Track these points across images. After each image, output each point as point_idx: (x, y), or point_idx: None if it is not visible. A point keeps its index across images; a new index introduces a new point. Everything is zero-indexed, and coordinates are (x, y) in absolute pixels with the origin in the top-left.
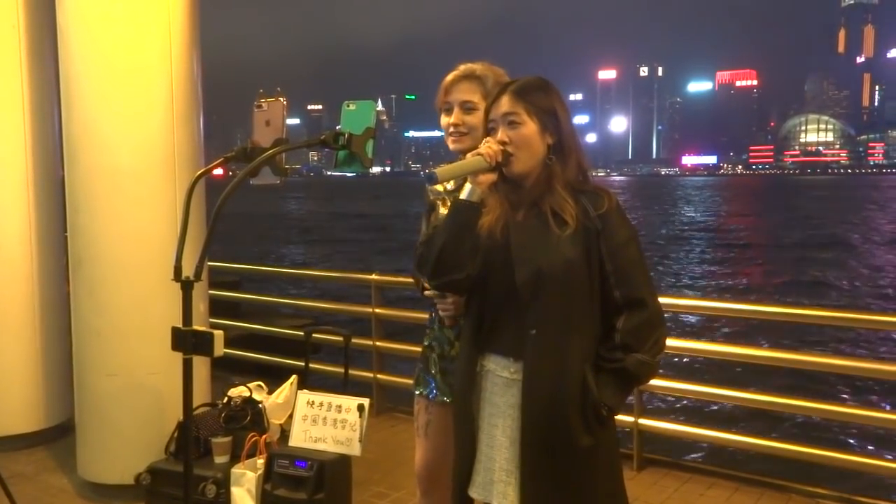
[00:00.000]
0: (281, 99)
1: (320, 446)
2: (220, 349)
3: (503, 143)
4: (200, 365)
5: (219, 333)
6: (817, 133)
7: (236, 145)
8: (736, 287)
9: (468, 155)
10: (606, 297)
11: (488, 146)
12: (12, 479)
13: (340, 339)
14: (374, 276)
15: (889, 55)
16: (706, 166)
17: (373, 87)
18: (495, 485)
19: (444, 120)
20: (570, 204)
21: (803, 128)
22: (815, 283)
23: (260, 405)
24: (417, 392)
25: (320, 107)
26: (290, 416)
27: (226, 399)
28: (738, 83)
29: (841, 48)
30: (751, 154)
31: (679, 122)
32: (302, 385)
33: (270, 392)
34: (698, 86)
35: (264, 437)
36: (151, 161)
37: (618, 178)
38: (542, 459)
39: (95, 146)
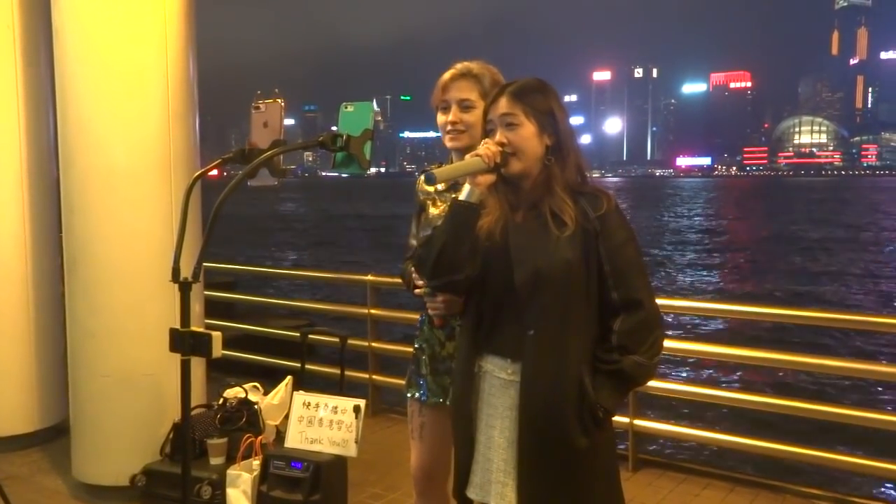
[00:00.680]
0: (279, 101)
1: (316, 447)
2: (218, 350)
3: (501, 144)
4: (196, 366)
5: (217, 335)
6: (811, 135)
7: (231, 146)
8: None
9: (467, 156)
10: (604, 298)
11: (486, 147)
12: (6, 480)
13: (336, 340)
14: (369, 278)
15: (882, 57)
16: (700, 168)
17: (368, 88)
18: (493, 485)
19: (440, 118)
20: (569, 205)
21: (797, 129)
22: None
23: (255, 406)
24: (410, 395)
25: (315, 107)
26: (286, 418)
27: (221, 400)
28: (732, 85)
29: (834, 50)
30: (745, 155)
31: (673, 123)
32: (298, 386)
33: (266, 393)
34: (692, 87)
35: (260, 438)
36: (147, 162)
37: (612, 180)
38: (539, 460)
39: (91, 147)
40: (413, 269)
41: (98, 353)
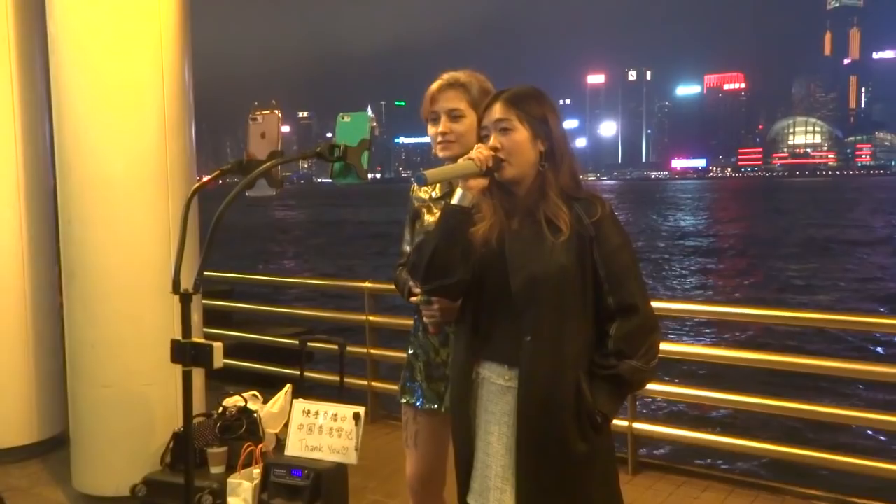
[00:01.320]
0: (276, 112)
1: (316, 455)
2: (219, 361)
3: (495, 148)
4: (196, 376)
5: (218, 345)
6: (805, 135)
7: (227, 154)
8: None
9: (459, 160)
10: (600, 303)
11: (479, 151)
12: (6, 492)
13: (335, 347)
14: (367, 284)
15: (875, 57)
16: (696, 169)
17: (362, 94)
18: (491, 492)
19: (431, 129)
20: (564, 211)
21: (791, 130)
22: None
23: (255, 415)
24: (404, 401)
25: (310, 114)
26: (286, 425)
27: (221, 409)
28: (726, 86)
29: (827, 51)
30: (740, 157)
31: (668, 125)
32: (297, 394)
33: (265, 401)
34: (686, 89)
35: (260, 446)
36: (144, 172)
37: (608, 182)
38: (537, 466)
39: (87, 157)
40: (409, 275)
41: (97, 363)
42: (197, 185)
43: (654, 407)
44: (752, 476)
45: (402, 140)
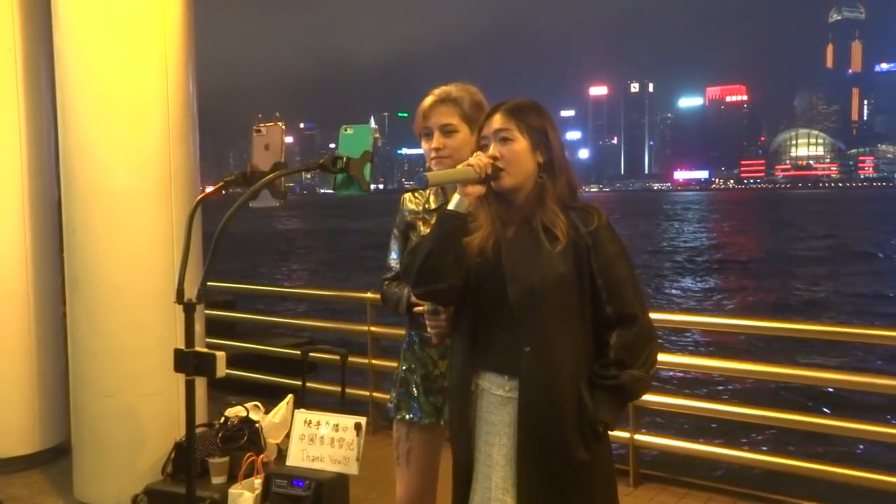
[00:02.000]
0: (279, 124)
1: (318, 465)
2: (222, 370)
3: (494, 157)
4: (198, 385)
5: (221, 355)
6: (808, 147)
7: (230, 165)
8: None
9: (459, 165)
10: (598, 312)
11: (479, 158)
12: (9, 502)
13: (337, 357)
14: (369, 295)
15: (877, 69)
16: (698, 181)
17: (365, 106)
18: (493, 503)
19: (424, 145)
20: (561, 219)
21: (794, 142)
22: None
23: (257, 425)
24: (399, 417)
25: (313, 125)
26: (287, 436)
27: (222, 419)
28: (728, 98)
29: (829, 63)
30: (742, 168)
31: (670, 137)
32: (299, 404)
33: (267, 412)
34: (689, 101)
35: (261, 456)
36: (148, 182)
37: (610, 194)
38: (539, 477)
39: (92, 168)
40: (404, 281)
41: (100, 373)
42: (201, 195)
43: (656, 418)
44: (755, 488)
45: (405, 151)
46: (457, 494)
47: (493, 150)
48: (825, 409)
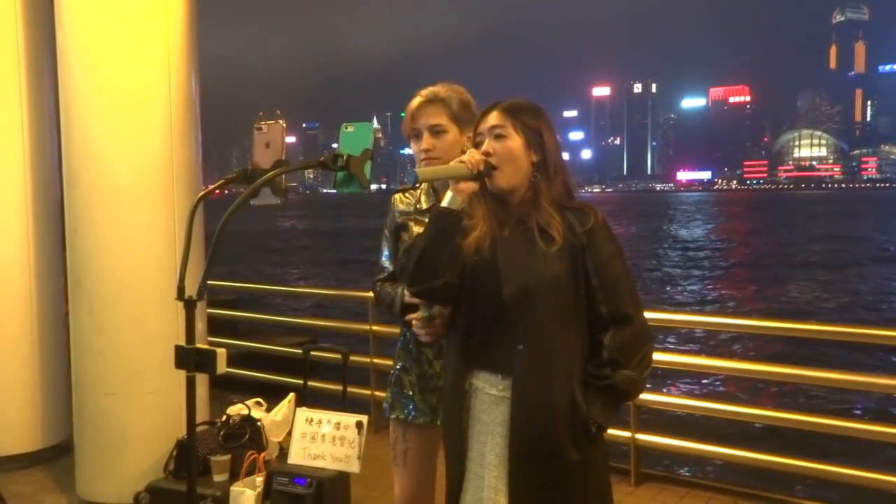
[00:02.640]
0: (280, 122)
1: (319, 463)
2: (223, 367)
3: (487, 154)
4: (200, 383)
5: (221, 351)
6: (811, 148)
7: (232, 163)
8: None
9: (451, 162)
10: (592, 312)
11: (471, 154)
12: (11, 499)
13: (339, 356)
14: (370, 294)
15: (881, 70)
16: (701, 182)
17: (369, 105)
18: (484, 502)
19: (413, 147)
20: (557, 220)
21: (797, 143)
22: None
23: (258, 423)
24: (394, 417)
25: (316, 125)
26: (289, 434)
27: (224, 417)
28: (731, 99)
29: (833, 64)
30: (745, 169)
31: (673, 137)
32: (300, 402)
33: (269, 410)
34: (692, 102)
35: (263, 454)
36: (150, 180)
37: (613, 194)
38: (530, 476)
39: (94, 165)
40: (404, 291)
41: (102, 371)
42: (203, 192)
43: (657, 418)
44: (756, 487)
45: (408, 151)
46: (449, 493)
47: (486, 145)
48: (828, 410)
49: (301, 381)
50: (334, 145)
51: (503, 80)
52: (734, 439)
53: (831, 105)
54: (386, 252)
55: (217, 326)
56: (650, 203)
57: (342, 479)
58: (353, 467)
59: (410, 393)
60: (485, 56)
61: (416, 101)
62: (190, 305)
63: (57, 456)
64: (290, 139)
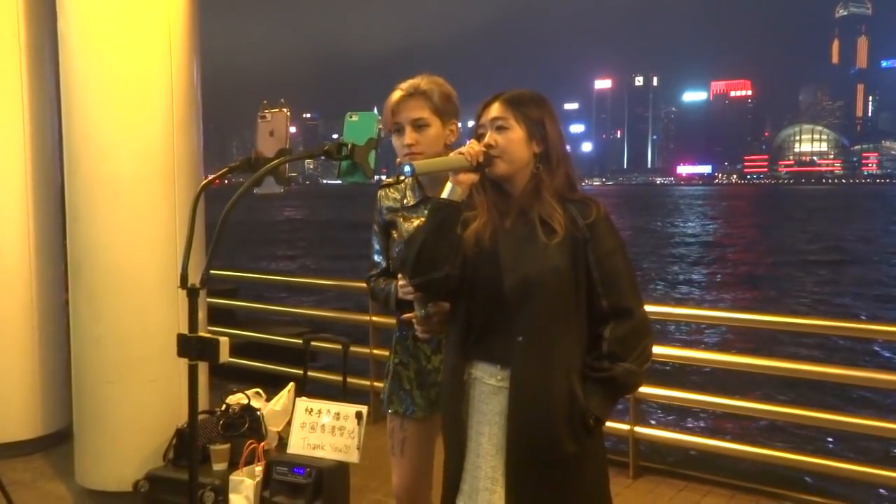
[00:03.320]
0: (284, 110)
1: (318, 453)
2: (225, 355)
3: (489, 146)
4: (200, 372)
5: (224, 340)
6: (811, 143)
7: (233, 153)
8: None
9: (451, 153)
10: (593, 305)
11: (470, 146)
12: (10, 486)
13: (339, 346)
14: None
15: (883, 66)
16: (701, 176)
17: (369, 97)
18: (481, 493)
19: (395, 141)
20: (559, 212)
21: (797, 138)
22: None
23: (258, 412)
24: (391, 410)
25: (317, 115)
26: (288, 424)
27: (224, 406)
28: (732, 93)
29: (835, 59)
30: (745, 164)
31: (674, 131)
32: (300, 392)
33: (268, 399)
34: (693, 95)
35: (262, 444)
36: (151, 168)
37: (613, 187)
38: (527, 467)
39: (95, 153)
40: (399, 287)
41: (102, 359)
42: (205, 181)
43: (656, 411)
44: (754, 482)
45: None
46: (447, 483)
47: (488, 137)
48: (826, 404)
49: (301, 371)
50: (335, 136)
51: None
52: (734, 433)
53: (833, 100)
54: (376, 247)
55: (216, 315)
56: (649, 196)
57: (341, 468)
58: (353, 457)
59: (408, 388)
60: (487, 47)
61: (396, 95)
62: (193, 294)
63: (56, 443)
64: (291, 129)
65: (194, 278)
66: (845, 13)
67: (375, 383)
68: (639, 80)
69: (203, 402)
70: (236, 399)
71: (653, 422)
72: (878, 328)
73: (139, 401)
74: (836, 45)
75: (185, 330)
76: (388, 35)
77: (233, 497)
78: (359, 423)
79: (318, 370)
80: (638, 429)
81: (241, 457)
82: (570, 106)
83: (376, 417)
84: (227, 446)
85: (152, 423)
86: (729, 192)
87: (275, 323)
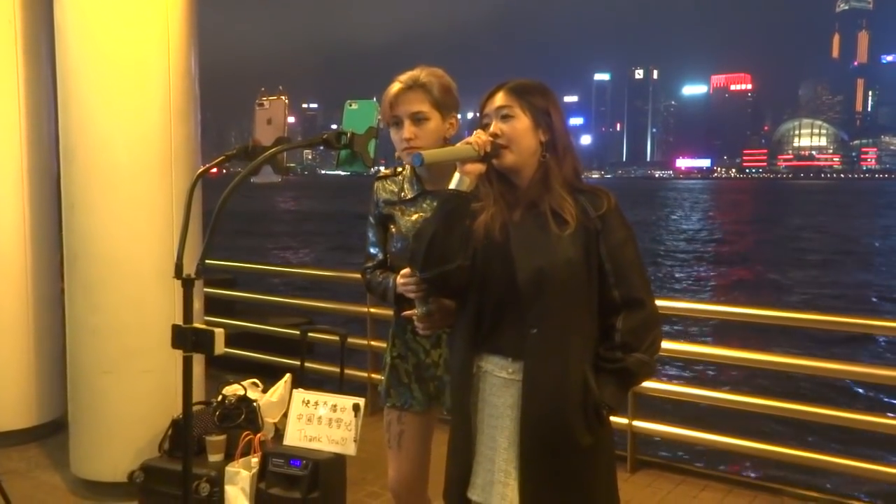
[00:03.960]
0: (283, 98)
1: (315, 445)
2: (221, 347)
3: (495, 135)
4: (196, 363)
5: (219, 331)
6: (811, 137)
7: (231, 142)
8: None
9: (458, 143)
10: (604, 296)
11: (478, 136)
12: (5, 475)
13: (336, 338)
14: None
15: (883, 61)
16: (700, 169)
17: (369, 87)
18: (494, 486)
19: (394, 135)
20: (570, 203)
21: (797, 132)
22: None
23: (254, 403)
24: (389, 404)
25: (316, 106)
26: (285, 415)
27: (220, 397)
28: (732, 87)
29: (835, 53)
30: (744, 158)
31: (673, 124)
32: (297, 384)
33: (265, 391)
34: (693, 89)
35: (259, 435)
36: (148, 158)
37: (612, 180)
38: (541, 460)
39: (92, 142)
40: (399, 283)
41: (98, 349)
42: (201, 169)
43: (654, 405)
44: (751, 476)
45: None
46: (454, 477)
47: (494, 127)
48: (824, 399)
49: (298, 362)
50: (333, 126)
51: (505, 64)
52: (731, 428)
53: (832, 95)
54: (372, 239)
55: (213, 306)
56: (649, 190)
57: (338, 461)
58: (350, 449)
59: (407, 381)
60: (487, 38)
61: (395, 88)
62: (188, 284)
63: (52, 432)
64: (289, 119)
65: (189, 268)
66: (846, 7)
67: (373, 375)
68: (639, 73)
69: (199, 393)
70: (233, 390)
71: (650, 415)
72: (877, 323)
73: (135, 391)
74: (836, 39)
75: (180, 321)
76: (389, 25)
77: (228, 488)
78: (356, 416)
79: (316, 361)
80: (636, 422)
81: (237, 448)
82: (570, 99)
83: (373, 409)
84: (222, 437)
85: (148, 414)
86: (728, 186)
87: (272, 314)
